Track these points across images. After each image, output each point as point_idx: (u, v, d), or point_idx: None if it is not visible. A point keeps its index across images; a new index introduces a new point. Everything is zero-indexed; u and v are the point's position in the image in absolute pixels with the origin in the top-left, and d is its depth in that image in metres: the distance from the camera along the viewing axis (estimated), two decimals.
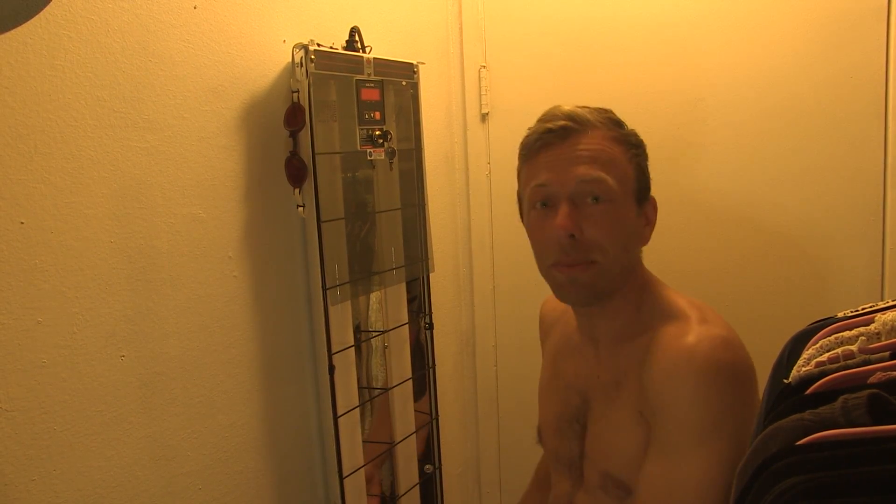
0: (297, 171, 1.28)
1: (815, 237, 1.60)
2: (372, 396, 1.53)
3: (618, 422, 1.05)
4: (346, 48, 1.38)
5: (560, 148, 1.03)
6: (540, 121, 1.07)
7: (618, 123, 1.06)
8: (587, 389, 1.11)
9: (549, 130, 1.03)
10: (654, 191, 1.10)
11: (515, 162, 1.12)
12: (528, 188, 1.07)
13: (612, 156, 1.02)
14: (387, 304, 1.51)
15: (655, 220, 1.09)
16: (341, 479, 1.35)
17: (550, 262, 1.04)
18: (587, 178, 1.01)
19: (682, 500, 0.94)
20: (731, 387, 0.94)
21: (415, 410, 1.56)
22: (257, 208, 1.27)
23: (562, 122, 1.03)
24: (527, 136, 1.08)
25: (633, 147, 1.06)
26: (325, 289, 1.29)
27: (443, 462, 1.64)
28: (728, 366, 0.94)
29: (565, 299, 1.08)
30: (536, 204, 1.06)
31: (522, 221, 1.12)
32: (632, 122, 1.09)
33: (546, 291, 1.11)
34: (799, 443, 0.61)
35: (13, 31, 0.92)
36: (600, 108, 1.07)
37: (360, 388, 1.43)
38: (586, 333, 1.13)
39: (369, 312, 1.53)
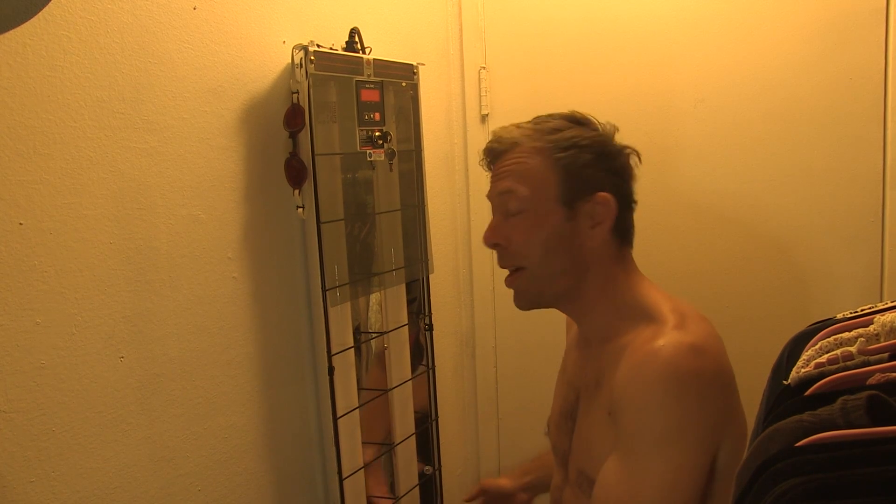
0: (296, 172, 1.28)
1: (815, 238, 1.60)
2: (369, 338, 1.53)
3: (594, 421, 1.06)
4: (345, 49, 1.38)
5: (495, 167, 1.14)
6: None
7: (550, 131, 1.09)
8: (580, 387, 1.14)
9: (484, 154, 1.16)
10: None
11: None
12: None
13: (529, 167, 1.08)
14: (386, 306, 1.51)
15: (608, 216, 1.07)
16: (341, 480, 1.34)
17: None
18: (501, 191, 1.11)
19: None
20: (694, 395, 0.93)
21: (415, 412, 1.56)
22: (257, 209, 1.27)
23: (490, 145, 1.14)
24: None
25: (561, 151, 1.07)
26: (324, 290, 1.29)
27: (442, 463, 1.64)
28: (691, 373, 0.93)
29: (516, 304, 1.15)
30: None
31: None
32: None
33: None
34: (798, 444, 0.61)
35: (12, 32, 0.91)
36: (540, 118, 1.13)
37: (359, 389, 1.43)
38: (581, 333, 1.17)
39: (369, 314, 1.53)
